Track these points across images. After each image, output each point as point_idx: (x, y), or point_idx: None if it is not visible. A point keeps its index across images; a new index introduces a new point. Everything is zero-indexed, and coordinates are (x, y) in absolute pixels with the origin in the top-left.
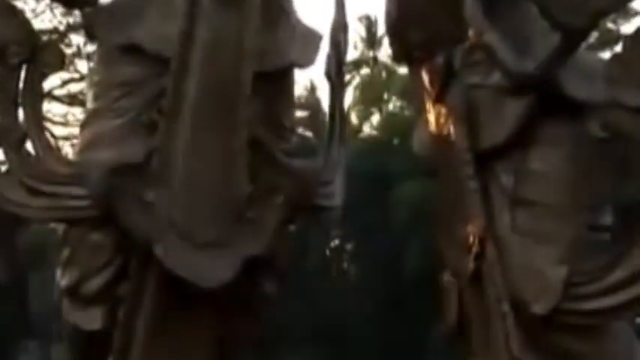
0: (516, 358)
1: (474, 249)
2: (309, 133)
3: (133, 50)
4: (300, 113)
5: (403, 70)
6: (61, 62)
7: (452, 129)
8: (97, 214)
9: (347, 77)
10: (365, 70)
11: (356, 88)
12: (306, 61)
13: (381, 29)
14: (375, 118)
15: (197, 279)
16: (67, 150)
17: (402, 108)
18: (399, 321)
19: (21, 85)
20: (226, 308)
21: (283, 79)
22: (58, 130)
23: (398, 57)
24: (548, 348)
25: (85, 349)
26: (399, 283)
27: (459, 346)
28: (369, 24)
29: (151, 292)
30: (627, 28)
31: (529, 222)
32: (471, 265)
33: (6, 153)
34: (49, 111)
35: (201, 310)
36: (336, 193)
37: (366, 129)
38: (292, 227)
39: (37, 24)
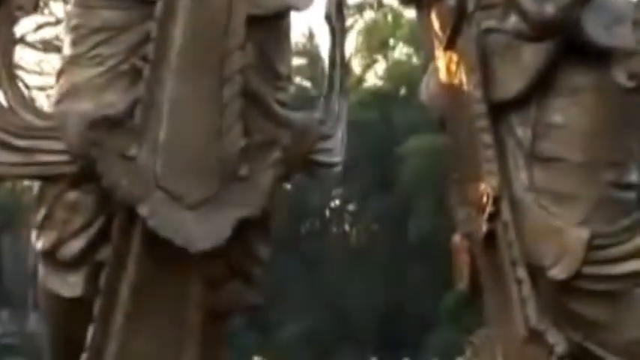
0: (533, 327)
1: (488, 209)
2: (307, 83)
3: None
4: (297, 61)
5: (411, 13)
6: (34, 4)
7: (464, 78)
8: (76, 170)
9: (349, 21)
10: (369, 14)
11: (359, 33)
12: (304, 4)
13: None
14: (380, 67)
15: (185, 242)
16: (42, 101)
17: (408, 55)
18: (404, 288)
19: None
20: (217, 273)
21: (279, 23)
22: (32, 80)
23: None
24: (566, 315)
25: (63, 317)
26: (404, 247)
27: (471, 314)
28: None
29: (136, 255)
30: None
31: (548, 180)
32: (484, 226)
33: None
34: (21, 58)
35: (189, 275)
36: (336, 149)
37: (370, 78)
38: (289, 186)
39: None
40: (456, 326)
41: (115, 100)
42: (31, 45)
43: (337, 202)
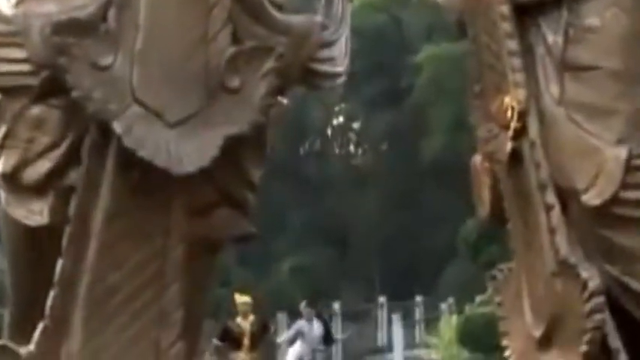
0: (563, 259)
1: (513, 125)
2: None
3: None
4: None
5: None
6: None
7: None
8: (40, 82)
9: None
10: None
11: None
12: None
13: None
14: None
15: (167, 163)
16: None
17: None
18: (416, 216)
19: None
20: (203, 199)
21: None
22: None
23: None
24: (601, 246)
25: (29, 249)
26: (416, 169)
27: (492, 246)
28: None
29: (110, 179)
30: None
31: (581, 91)
32: (508, 145)
33: None
34: None
35: (171, 202)
36: (339, 57)
37: None
38: (285, 100)
39: None
40: (475, 260)
41: (84, 1)
42: None
43: (340, 118)
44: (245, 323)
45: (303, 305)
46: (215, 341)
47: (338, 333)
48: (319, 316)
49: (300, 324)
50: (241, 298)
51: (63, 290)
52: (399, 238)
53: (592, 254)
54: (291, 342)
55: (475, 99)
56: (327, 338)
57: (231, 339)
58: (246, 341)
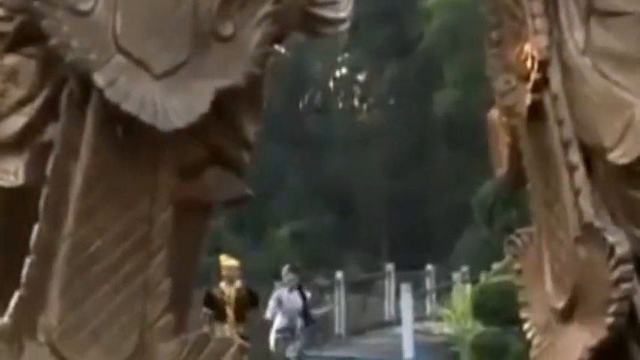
0: (588, 223)
1: (533, 76)
2: None
3: None
4: None
5: None
6: None
7: None
8: (13, 29)
9: None
10: None
11: None
12: None
13: None
14: None
15: (153, 118)
16: None
17: None
18: (427, 177)
19: None
20: (193, 158)
21: None
22: None
23: None
24: (630, 209)
25: (2, 212)
26: (427, 126)
27: (511, 209)
28: None
29: (90, 136)
30: None
31: (609, 39)
32: (528, 98)
33: None
34: None
35: (158, 161)
36: (342, 2)
37: None
38: (284, 50)
39: None
40: (491, 225)
41: None
42: None
43: (344, 70)
44: (230, 290)
45: (285, 270)
46: (205, 310)
47: (341, 305)
48: (299, 289)
49: (278, 292)
50: (227, 261)
51: (39, 258)
52: (408, 202)
53: (619, 217)
54: (274, 314)
55: (491, 48)
56: (306, 316)
57: (213, 307)
58: (229, 311)
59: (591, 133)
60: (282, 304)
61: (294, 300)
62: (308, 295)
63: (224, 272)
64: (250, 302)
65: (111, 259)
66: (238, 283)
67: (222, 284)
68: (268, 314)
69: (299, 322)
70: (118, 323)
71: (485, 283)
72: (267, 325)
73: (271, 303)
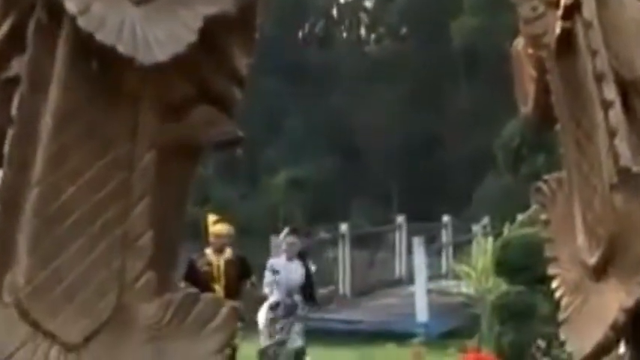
0: (624, 167)
1: (564, 1)
2: None
3: None
4: None
5: None
6: None
7: None
8: None
9: None
10: None
11: None
12: None
13: None
14: None
15: (133, 50)
16: None
17: None
18: (443, 116)
19: None
20: (178, 94)
21: None
22: None
23: None
24: None
25: None
26: (444, 58)
27: (538, 152)
28: None
29: (61, 71)
30: None
31: None
32: (558, 26)
33: None
34: None
35: (139, 99)
36: None
37: None
38: None
39: None
40: (516, 170)
41: None
42: None
43: None
44: (218, 260)
45: (284, 233)
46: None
47: (346, 261)
48: (302, 258)
49: (274, 260)
50: (216, 226)
51: (5, 208)
52: (422, 145)
53: None
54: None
55: None
56: (307, 292)
57: (196, 280)
58: (218, 287)
59: (628, 65)
60: (277, 274)
61: (295, 271)
62: (313, 268)
63: (211, 239)
64: (243, 274)
65: (85, 209)
66: (229, 253)
67: (209, 252)
68: (265, 289)
69: (298, 301)
70: (94, 282)
71: (508, 236)
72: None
73: (267, 274)
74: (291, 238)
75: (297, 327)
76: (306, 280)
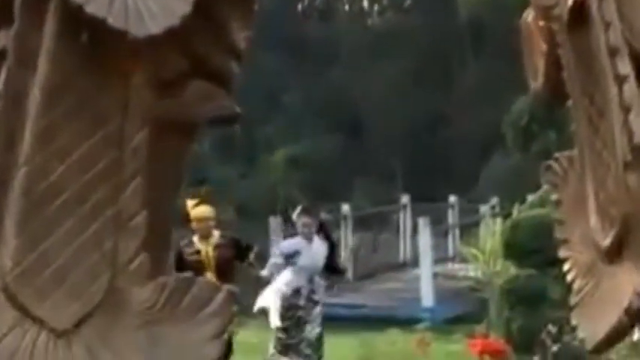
0: (638, 143)
1: None
2: None
3: None
4: None
5: None
6: None
7: None
8: None
9: None
10: None
11: None
12: None
13: None
14: None
15: (125, 22)
16: None
17: None
18: (450, 93)
19: None
20: (173, 69)
21: None
22: None
23: None
24: None
25: None
26: (450, 32)
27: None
28: None
29: (49, 44)
30: None
31: None
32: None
33: None
34: None
35: (131, 73)
36: None
37: None
38: None
39: None
40: (525, 148)
41: None
42: None
43: None
44: (207, 247)
45: (298, 211)
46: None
47: (348, 243)
48: (323, 229)
49: (287, 244)
50: (197, 210)
51: None
52: (428, 122)
53: None
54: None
55: None
56: (332, 266)
57: (187, 270)
58: (209, 275)
59: None
60: (299, 256)
61: (318, 251)
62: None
63: (195, 224)
64: (237, 257)
65: (75, 188)
66: (216, 236)
67: (195, 240)
68: (266, 271)
69: (319, 285)
70: (85, 264)
71: (517, 217)
72: (263, 284)
73: (276, 258)
74: (306, 219)
75: (317, 311)
76: (330, 250)
